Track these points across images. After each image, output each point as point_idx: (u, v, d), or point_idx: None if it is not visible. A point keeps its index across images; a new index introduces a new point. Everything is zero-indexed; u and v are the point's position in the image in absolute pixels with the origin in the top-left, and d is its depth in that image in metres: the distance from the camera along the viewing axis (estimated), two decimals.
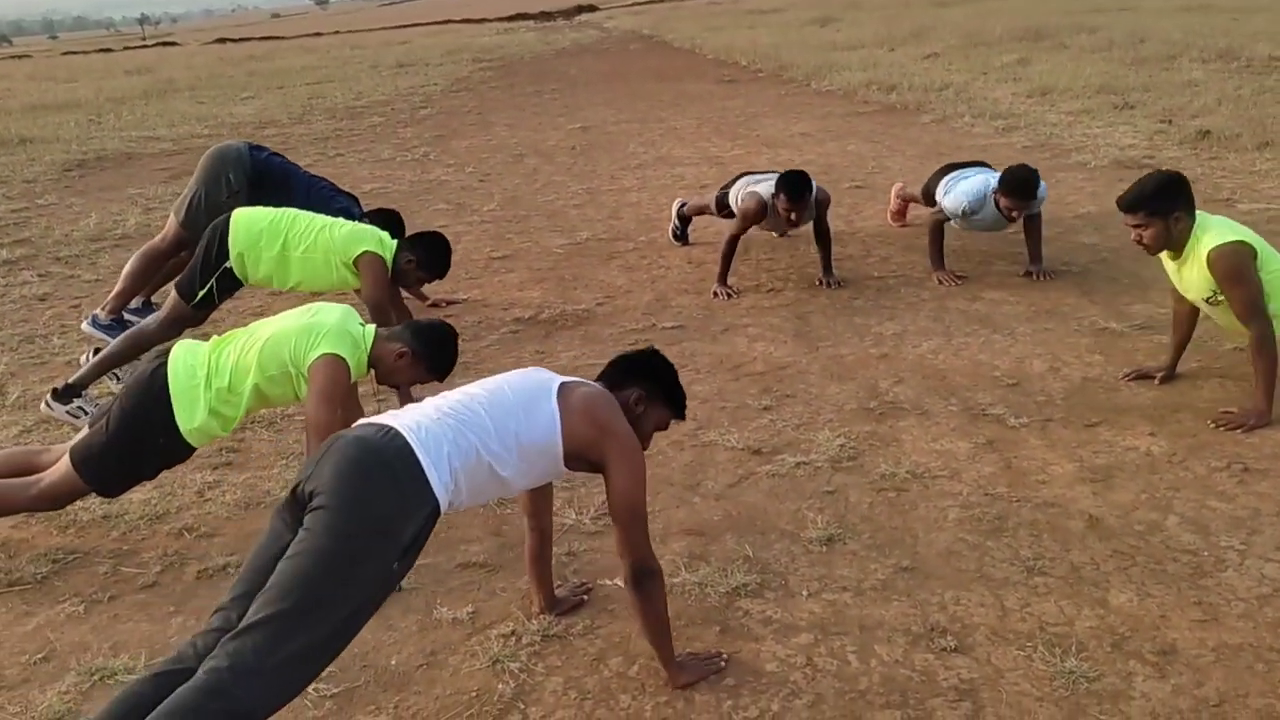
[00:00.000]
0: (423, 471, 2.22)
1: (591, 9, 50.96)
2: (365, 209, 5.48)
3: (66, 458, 3.19)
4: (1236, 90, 10.59)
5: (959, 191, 5.43)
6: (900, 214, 6.72)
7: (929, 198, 5.94)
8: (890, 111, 11.71)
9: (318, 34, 43.87)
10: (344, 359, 3.18)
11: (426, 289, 5.58)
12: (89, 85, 22.14)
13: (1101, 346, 4.48)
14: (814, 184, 5.38)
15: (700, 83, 16.09)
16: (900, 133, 10.26)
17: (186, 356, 3.24)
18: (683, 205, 6.53)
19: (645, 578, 2.43)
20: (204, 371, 3.21)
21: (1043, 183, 5.38)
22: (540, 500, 2.75)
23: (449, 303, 5.60)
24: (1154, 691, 2.38)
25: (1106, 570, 2.86)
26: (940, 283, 5.47)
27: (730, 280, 5.61)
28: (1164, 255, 3.86)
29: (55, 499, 3.23)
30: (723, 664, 2.57)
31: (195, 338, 3.52)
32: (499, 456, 2.35)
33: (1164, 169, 3.86)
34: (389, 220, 5.17)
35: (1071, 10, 22.93)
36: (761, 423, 3.93)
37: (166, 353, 3.26)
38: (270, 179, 5.33)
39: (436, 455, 2.25)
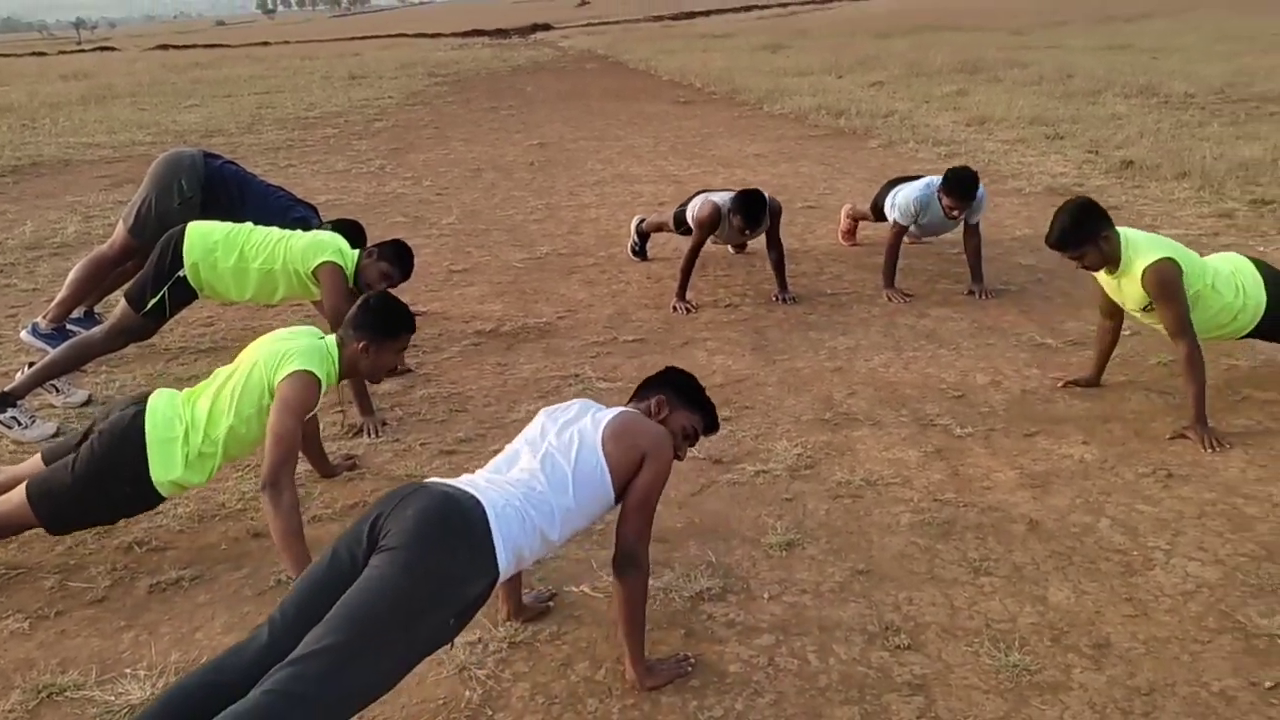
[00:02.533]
0: (494, 544, 2.30)
1: (546, 28, 51.06)
2: (324, 220, 5.47)
3: (23, 490, 3.13)
4: (1156, 124, 11.00)
5: (905, 194, 5.67)
6: (850, 233, 6.91)
7: (878, 212, 6.16)
8: (840, 135, 11.96)
9: (265, 43, 43.40)
10: (314, 374, 3.17)
11: None
12: (21, 89, 21.62)
13: (1038, 360, 4.67)
14: (767, 199, 5.53)
15: (656, 103, 16.26)
16: (849, 156, 10.50)
17: (166, 407, 3.20)
18: (641, 221, 6.65)
19: (629, 566, 2.52)
20: (182, 425, 3.17)
21: (982, 187, 5.61)
22: None
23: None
24: (1091, 682, 2.53)
25: (1046, 570, 3.02)
26: (890, 300, 5.65)
27: (689, 295, 5.74)
28: (1101, 271, 4.04)
29: (2, 530, 3.19)
30: (690, 667, 2.64)
31: (171, 385, 3.46)
32: (556, 530, 2.46)
33: (1071, 198, 3.99)
34: (350, 230, 5.11)
35: (1004, 46, 23.56)
36: (722, 433, 4.00)
37: (145, 399, 3.23)
38: (224, 187, 5.26)
39: (506, 533, 2.33)
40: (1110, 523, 3.26)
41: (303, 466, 3.79)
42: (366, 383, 4.22)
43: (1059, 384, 4.37)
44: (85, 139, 13.49)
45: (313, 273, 4.43)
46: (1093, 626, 2.74)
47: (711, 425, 2.87)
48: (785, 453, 3.83)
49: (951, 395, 4.34)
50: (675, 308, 5.61)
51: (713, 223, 5.57)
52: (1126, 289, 3.97)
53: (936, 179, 5.66)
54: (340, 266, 4.45)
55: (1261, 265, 4.06)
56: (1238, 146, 9.29)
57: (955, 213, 5.54)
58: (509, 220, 8.06)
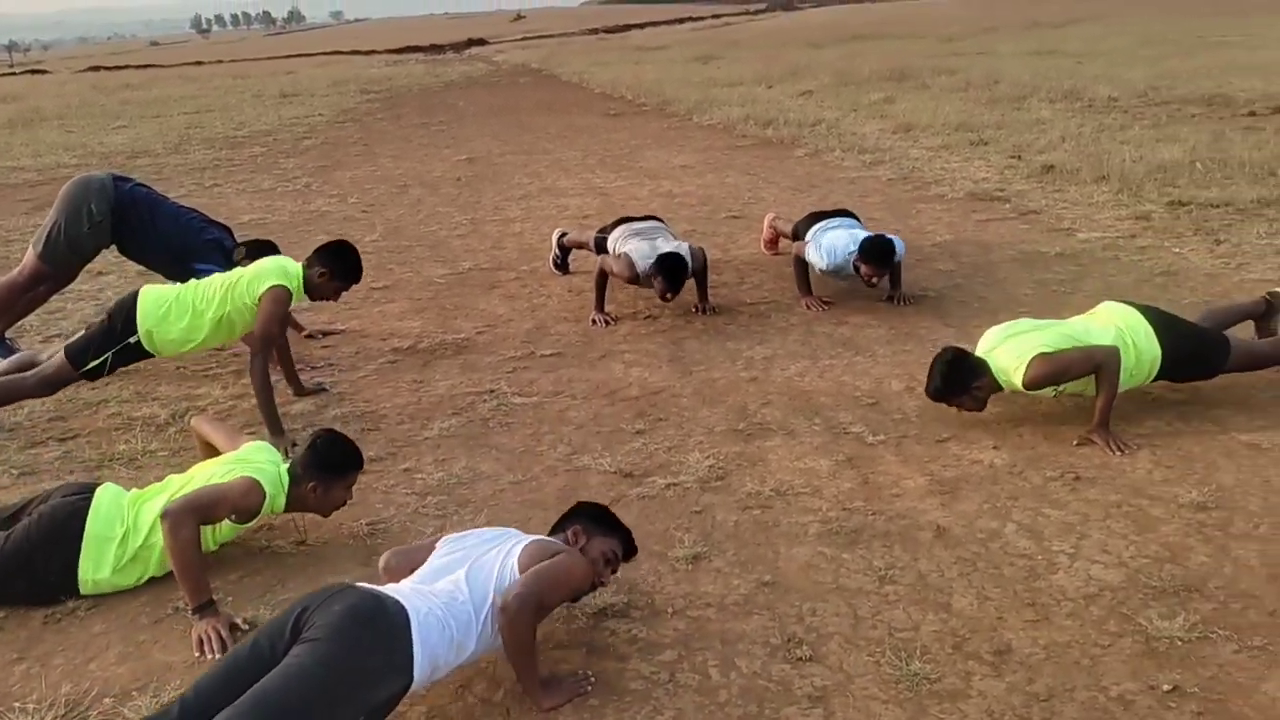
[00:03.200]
0: (413, 650, 2.35)
1: (482, 43, 50.87)
2: (242, 240, 5.36)
3: None
4: (1079, 128, 11.20)
5: (823, 251, 5.60)
6: (773, 242, 6.90)
7: (797, 238, 6.13)
8: (767, 145, 12.01)
9: (199, 63, 42.68)
10: (263, 489, 3.11)
11: (304, 320, 5.51)
12: None
13: None
14: (689, 258, 5.47)
15: (587, 116, 16.22)
16: (776, 165, 10.54)
17: (110, 505, 3.14)
18: (563, 235, 6.59)
19: (514, 613, 2.47)
20: (123, 526, 3.10)
21: (900, 242, 5.61)
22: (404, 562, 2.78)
23: (326, 334, 5.53)
24: (990, 689, 2.50)
25: (950, 576, 3.00)
26: (808, 308, 5.65)
27: (609, 308, 5.69)
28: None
29: None
30: (589, 686, 2.60)
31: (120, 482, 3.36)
32: (473, 641, 2.50)
33: (942, 351, 4.00)
34: (264, 250, 5.03)
35: (934, 54, 23.93)
36: (634, 446, 3.99)
37: (91, 491, 3.17)
38: (135, 210, 5.17)
39: (426, 640, 2.38)
40: (1016, 527, 3.26)
41: None
42: (273, 405, 4.12)
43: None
44: (10, 163, 13.12)
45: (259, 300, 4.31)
46: (994, 633, 2.72)
47: (630, 548, 2.88)
48: (697, 465, 3.78)
49: (866, 403, 4.33)
50: (594, 321, 5.55)
51: (629, 280, 5.50)
52: (1031, 396, 3.97)
53: (856, 237, 5.56)
54: (283, 288, 4.31)
55: (1152, 315, 4.04)
56: (1157, 149, 9.48)
57: (873, 280, 5.53)
58: (433, 236, 7.95)
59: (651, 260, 5.38)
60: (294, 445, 4.06)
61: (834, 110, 14.50)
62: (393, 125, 16.16)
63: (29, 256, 5.15)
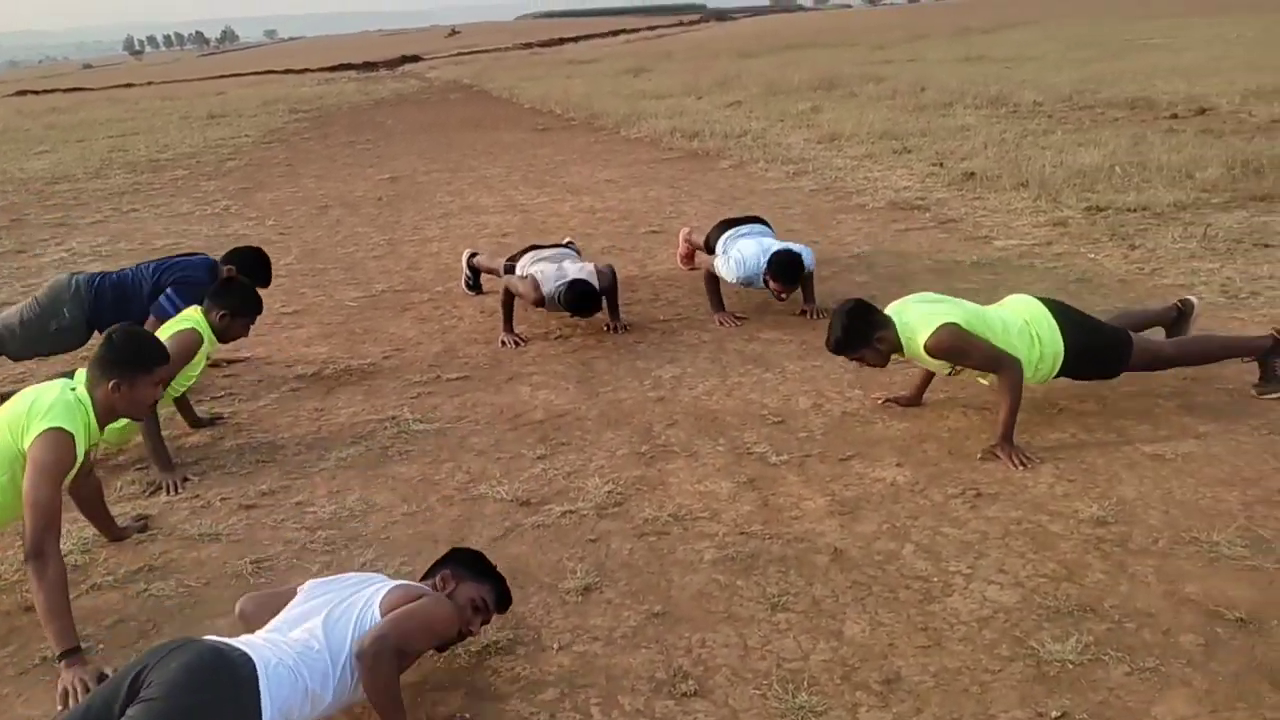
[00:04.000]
0: (260, 703, 2.20)
1: (415, 59, 50.51)
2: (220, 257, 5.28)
3: None
4: (1002, 134, 11.32)
5: (733, 263, 5.55)
6: (689, 257, 6.84)
7: (710, 248, 6.07)
8: (693, 157, 11.98)
9: (129, 85, 41.83)
10: (66, 431, 2.90)
11: None
12: None
13: (862, 381, 4.63)
14: (598, 283, 5.38)
15: (515, 131, 16.11)
16: (700, 178, 10.50)
17: None
18: (473, 255, 6.47)
19: (371, 659, 2.36)
20: None
21: (809, 254, 5.56)
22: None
23: (230, 362, 5.35)
24: None
25: (845, 601, 2.93)
26: (720, 324, 5.58)
27: (520, 328, 5.58)
28: (896, 355, 3.99)
29: None
30: None
31: None
32: (330, 691, 2.37)
33: (844, 302, 3.95)
34: (250, 259, 5.15)
35: (864, 61, 24.21)
36: (534, 472, 3.88)
37: None
38: (109, 307, 4.91)
39: (275, 693, 2.24)
40: (914, 548, 3.19)
41: (90, 530, 3.52)
42: (161, 440, 3.95)
43: (879, 402, 4.33)
44: None
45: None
46: (885, 660, 2.65)
47: (502, 598, 2.78)
48: (595, 490, 3.68)
49: (772, 421, 4.26)
50: (503, 342, 5.43)
51: (535, 303, 5.40)
52: (926, 364, 3.95)
53: (766, 250, 5.51)
54: (192, 331, 4.15)
55: (1055, 307, 4.01)
56: (1078, 154, 9.58)
57: (783, 295, 5.49)
58: (349, 258, 7.78)
59: (558, 283, 5.28)
60: (185, 480, 3.92)
61: (761, 121, 14.54)
62: (319, 145, 15.91)
63: None
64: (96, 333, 4.86)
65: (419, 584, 2.63)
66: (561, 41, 58.52)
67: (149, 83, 42.99)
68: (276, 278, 7.20)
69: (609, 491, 3.67)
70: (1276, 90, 12.92)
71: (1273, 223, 6.77)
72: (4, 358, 5.10)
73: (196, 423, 4.46)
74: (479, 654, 2.78)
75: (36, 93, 39.96)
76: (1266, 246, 6.21)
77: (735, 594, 3.00)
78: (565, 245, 6.19)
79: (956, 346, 3.74)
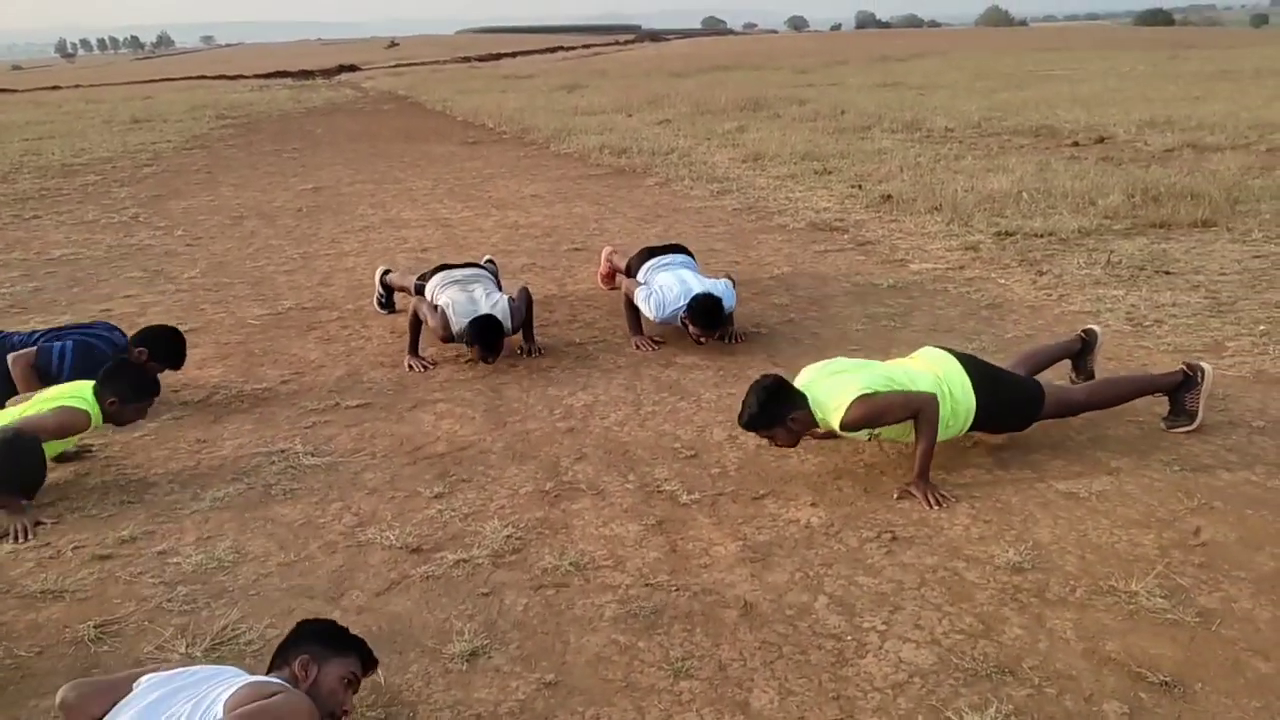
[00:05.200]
0: None
1: (353, 69, 49.47)
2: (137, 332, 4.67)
3: None
4: (917, 158, 11.22)
5: (653, 304, 5.20)
6: (610, 276, 6.51)
7: (630, 274, 5.75)
8: (620, 174, 11.68)
9: (55, 87, 40.17)
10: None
11: None
12: None
13: None
14: (510, 320, 5.07)
15: (445, 144, 15.64)
16: (625, 195, 10.20)
17: None
18: (386, 273, 6.07)
19: None
20: None
21: (727, 287, 5.27)
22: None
23: None
24: None
25: (753, 666, 2.62)
26: (638, 349, 5.27)
27: (429, 351, 5.21)
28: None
29: None
30: None
31: None
32: None
33: (760, 379, 3.65)
34: (162, 341, 4.51)
35: (788, 84, 24.20)
36: (429, 514, 3.52)
37: None
38: None
39: None
40: (828, 601, 2.91)
41: None
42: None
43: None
44: None
45: None
46: None
47: (370, 662, 2.40)
48: (494, 535, 3.33)
49: (684, 455, 3.95)
50: (410, 366, 5.05)
51: (444, 336, 5.04)
52: (847, 435, 3.68)
53: (689, 288, 5.15)
54: (80, 414, 3.75)
55: (967, 363, 3.78)
56: (988, 179, 9.49)
57: (702, 340, 5.17)
58: (258, 272, 7.30)
59: (467, 320, 4.92)
60: (37, 524, 3.47)
61: (688, 139, 14.31)
62: (243, 152, 15.26)
63: None
64: None
65: (270, 679, 2.24)
66: (499, 57, 57.77)
67: (76, 85, 41.34)
68: (179, 292, 6.78)
69: (508, 536, 3.32)
70: (1168, 121, 13.12)
71: (1171, 249, 6.69)
72: None
73: (60, 456, 3.99)
74: None
75: None
76: (1167, 274, 6.11)
77: (636, 658, 2.68)
78: (484, 264, 5.84)
79: (870, 415, 3.48)
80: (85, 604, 2.94)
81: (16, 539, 3.37)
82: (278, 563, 3.20)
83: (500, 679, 2.60)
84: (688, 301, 5.08)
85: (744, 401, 3.62)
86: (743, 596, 2.94)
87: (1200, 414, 3.87)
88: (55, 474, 3.89)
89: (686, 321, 5.10)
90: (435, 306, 5.06)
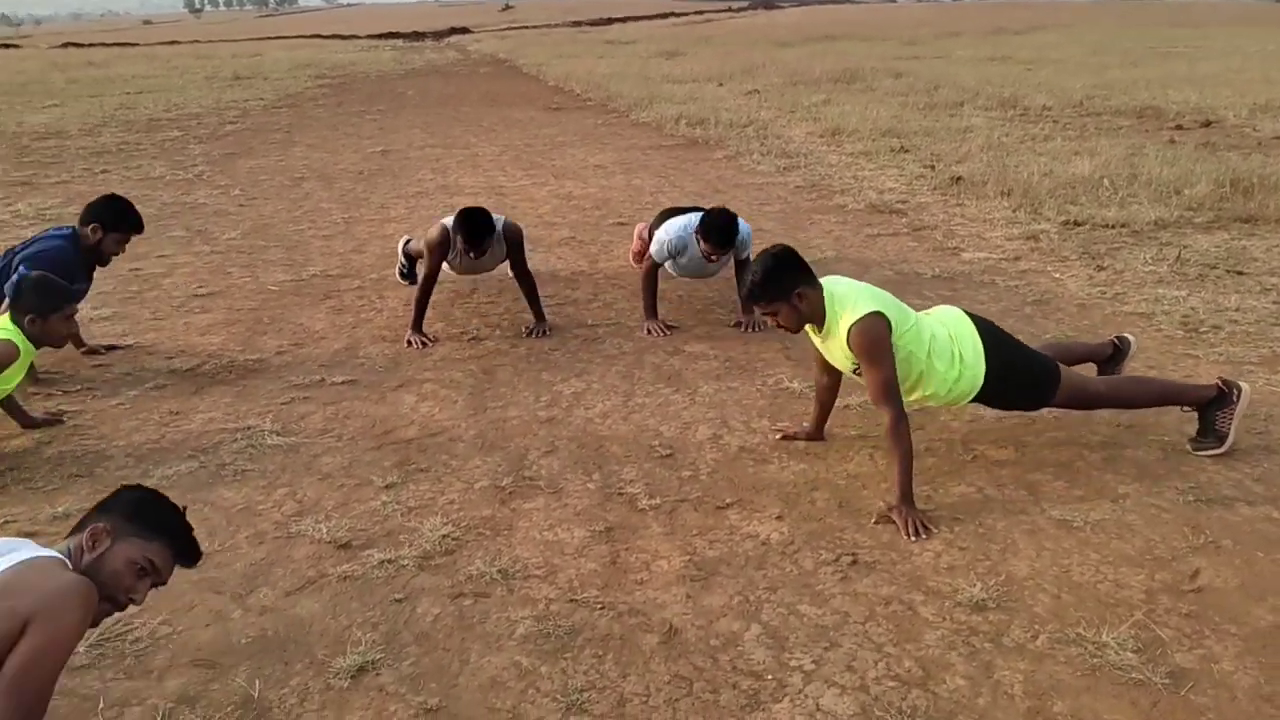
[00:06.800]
0: None
1: (464, 31, 49.88)
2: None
3: None
4: (1002, 138, 10.60)
5: (666, 231, 5.04)
6: (641, 254, 6.25)
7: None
8: (691, 146, 11.36)
9: (174, 42, 41.54)
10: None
11: (85, 335, 4.84)
12: None
13: (775, 409, 4.07)
14: (497, 221, 4.86)
15: (528, 109, 15.52)
16: (690, 168, 9.90)
17: None
18: (408, 242, 5.94)
19: None
20: None
21: (745, 225, 4.99)
22: None
23: (109, 349, 4.85)
24: None
25: (655, 704, 2.38)
26: (649, 333, 5.02)
27: (435, 326, 5.06)
28: (809, 329, 3.45)
29: None
30: None
31: None
32: None
33: (770, 247, 3.41)
34: (108, 211, 4.44)
35: (892, 56, 23.35)
36: (372, 506, 3.35)
37: None
38: None
39: None
40: (760, 631, 2.64)
41: None
42: None
43: (778, 436, 3.77)
44: None
45: None
46: None
47: (185, 552, 2.19)
48: (431, 533, 3.14)
49: (660, 454, 3.69)
50: (409, 341, 4.91)
51: (442, 246, 4.87)
52: (833, 349, 3.38)
53: (698, 217, 5.00)
54: (5, 344, 3.61)
55: (983, 327, 3.45)
56: (1071, 163, 8.88)
57: (714, 258, 4.91)
58: (296, 236, 7.26)
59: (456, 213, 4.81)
60: None
61: (771, 110, 13.88)
62: (328, 113, 15.41)
63: None
64: None
65: (52, 553, 2.04)
66: (610, 21, 57.42)
67: (194, 41, 42.67)
68: (213, 253, 6.77)
69: (444, 535, 3.13)
70: None
71: (1251, 247, 6.09)
72: None
73: (29, 423, 3.93)
74: None
75: (79, 45, 39.66)
76: (1239, 274, 5.55)
77: (532, 685, 2.46)
78: None
79: (876, 344, 3.19)
80: None
81: None
82: None
83: (380, 701, 2.41)
84: (700, 217, 4.85)
85: (750, 270, 3.35)
86: (670, 620, 2.69)
87: (1231, 437, 3.44)
88: (16, 441, 3.85)
89: (699, 237, 4.85)
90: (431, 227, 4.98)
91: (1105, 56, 21.56)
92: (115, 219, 4.46)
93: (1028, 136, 10.73)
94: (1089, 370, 3.84)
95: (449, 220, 4.89)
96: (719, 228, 4.78)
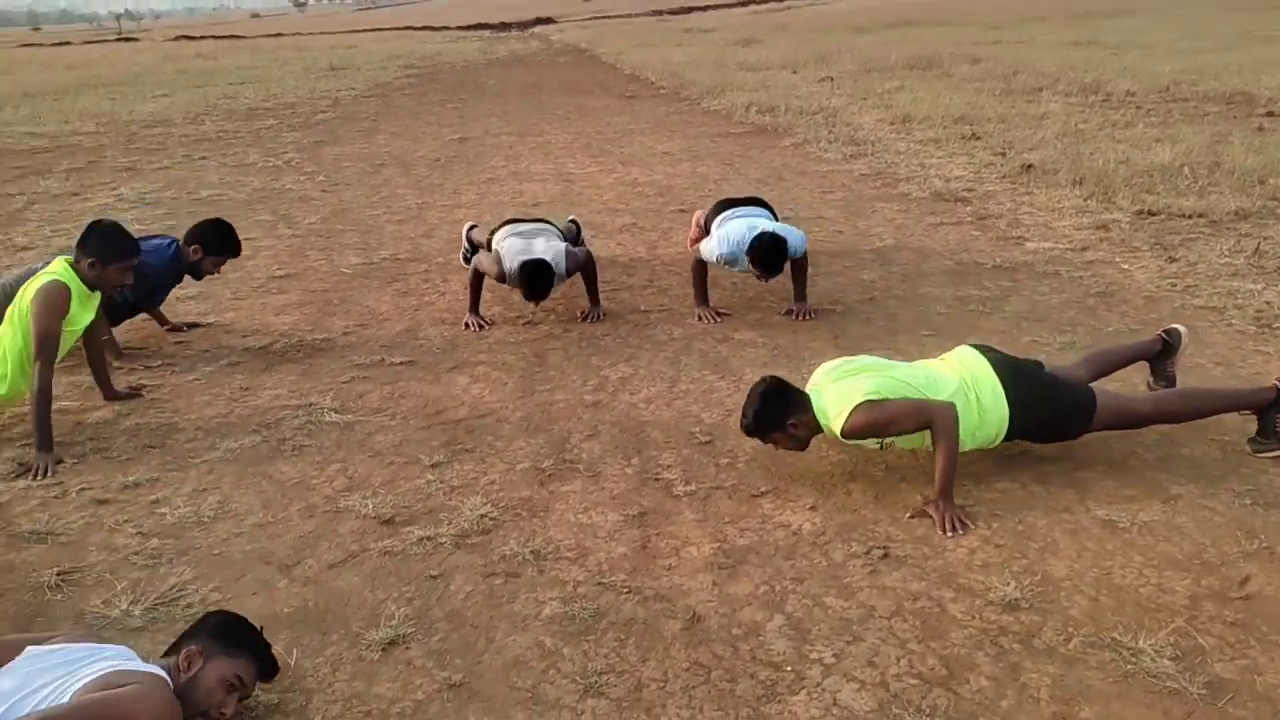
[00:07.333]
0: None
1: (549, 21, 50.04)
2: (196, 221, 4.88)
3: None
4: (1079, 124, 10.21)
5: (715, 242, 4.98)
6: (697, 241, 6.19)
7: (706, 230, 5.46)
8: (760, 133, 11.21)
9: (278, 34, 42.59)
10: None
11: (167, 313, 5.00)
12: (15, 78, 21.11)
13: None
14: (565, 265, 4.84)
15: (603, 98, 15.51)
16: (756, 155, 9.77)
17: None
18: (472, 228, 5.97)
19: None
20: None
21: (799, 234, 4.91)
22: None
23: (190, 326, 4.99)
24: None
25: (671, 690, 2.35)
26: (700, 319, 4.97)
27: (493, 310, 5.10)
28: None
29: None
30: None
31: None
32: None
33: (760, 381, 3.32)
34: (214, 235, 4.65)
35: (972, 41, 22.64)
36: (418, 484, 3.38)
37: None
38: None
39: None
40: (783, 622, 2.59)
41: None
42: (47, 418, 3.58)
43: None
44: (31, 128, 12.86)
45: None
46: None
47: (267, 669, 2.28)
48: (470, 512, 3.16)
49: (699, 441, 3.66)
50: (468, 324, 4.94)
51: (498, 278, 4.87)
52: (851, 445, 3.30)
53: (755, 228, 4.87)
54: (57, 282, 3.67)
55: (1002, 366, 3.29)
56: (1152, 150, 8.51)
57: (762, 279, 4.87)
58: (371, 220, 7.37)
59: (518, 261, 4.75)
60: (59, 462, 3.55)
61: (843, 98, 13.60)
62: (413, 102, 15.62)
63: None
64: None
65: (149, 667, 2.14)
66: (690, 10, 57.02)
67: (296, 34, 43.66)
68: (293, 236, 6.92)
69: (482, 515, 3.14)
70: None
71: None
72: None
73: (113, 395, 4.09)
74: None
75: (191, 38, 40.94)
76: None
77: (553, 666, 2.45)
78: (563, 223, 5.65)
79: (874, 423, 3.10)
80: (63, 549, 2.97)
81: (36, 476, 3.46)
82: (253, 523, 3.14)
83: (407, 674, 2.43)
84: (752, 238, 4.78)
85: (744, 407, 3.30)
86: (693, 607, 2.66)
87: None
88: (98, 412, 4.00)
89: (750, 257, 4.81)
90: (492, 252, 4.93)
91: (1198, 41, 20.55)
92: (218, 244, 4.67)
93: (1107, 123, 10.32)
94: (1141, 370, 3.68)
95: (505, 246, 4.88)
96: (765, 257, 4.73)
